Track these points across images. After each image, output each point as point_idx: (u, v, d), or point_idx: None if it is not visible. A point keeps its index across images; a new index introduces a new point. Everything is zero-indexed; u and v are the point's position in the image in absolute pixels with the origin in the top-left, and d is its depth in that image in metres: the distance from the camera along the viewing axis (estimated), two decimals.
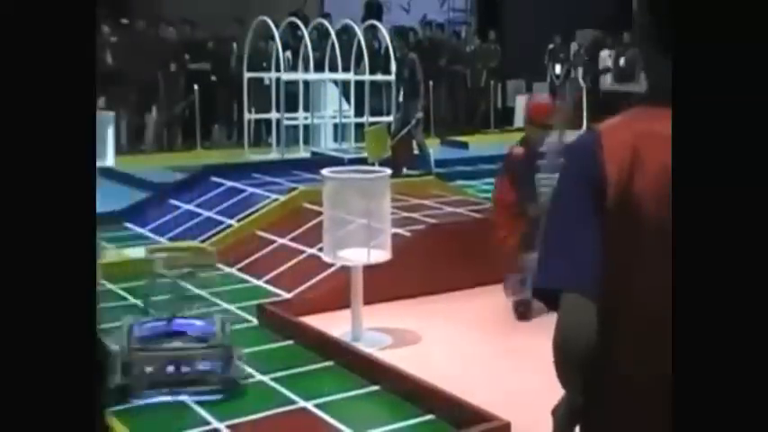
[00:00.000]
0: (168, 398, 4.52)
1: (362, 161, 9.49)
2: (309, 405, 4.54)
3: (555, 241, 1.80)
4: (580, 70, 16.51)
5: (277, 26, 12.06)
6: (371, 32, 13.52)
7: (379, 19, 14.68)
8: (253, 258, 7.50)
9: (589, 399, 1.81)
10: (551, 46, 17.00)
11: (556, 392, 1.94)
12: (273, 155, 11.79)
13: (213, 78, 13.39)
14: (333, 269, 6.35)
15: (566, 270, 1.75)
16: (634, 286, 1.73)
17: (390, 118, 12.09)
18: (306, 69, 12.46)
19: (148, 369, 4.55)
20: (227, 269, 7.29)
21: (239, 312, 6.12)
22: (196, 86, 12.66)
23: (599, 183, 1.73)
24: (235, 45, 13.53)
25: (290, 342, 5.48)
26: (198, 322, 4.95)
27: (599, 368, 1.75)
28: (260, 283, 6.94)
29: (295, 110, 12.35)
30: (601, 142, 1.77)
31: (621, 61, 15.67)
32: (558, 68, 16.68)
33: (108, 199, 8.33)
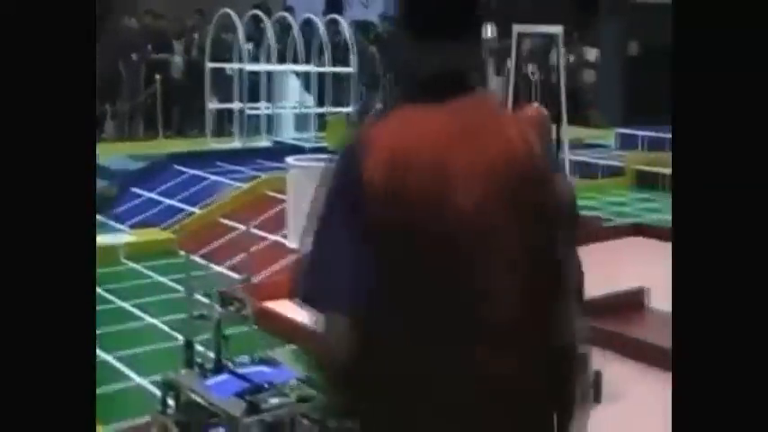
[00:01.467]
0: None
1: (323, 150, 9.39)
2: None
3: (316, 256, 1.70)
4: (530, 66, 16.51)
5: (240, 18, 11.88)
6: (333, 26, 13.38)
7: (340, 13, 14.53)
8: (215, 245, 7.38)
9: (372, 406, 1.73)
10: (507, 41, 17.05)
11: None
12: (236, 143, 11.64)
13: (176, 68, 13.16)
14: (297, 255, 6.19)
15: (323, 289, 1.68)
16: (407, 288, 1.64)
17: (350, 109, 12.06)
18: (268, 61, 12.31)
19: None
20: (190, 256, 7.14)
21: (201, 299, 5.91)
22: (158, 76, 12.41)
23: (362, 191, 1.62)
24: (197, 36, 13.33)
25: (254, 327, 5.27)
26: (265, 368, 3.90)
27: (376, 369, 1.68)
28: (222, 269, 6.78)
29: (257, 100, 12.19)
30: (362, 149, 1.66)
31: (571, 58, 15.71)
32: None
33: None
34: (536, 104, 4.47)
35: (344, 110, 12.06)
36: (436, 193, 1.60)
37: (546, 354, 1.70)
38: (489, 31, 16.07)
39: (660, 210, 9.85)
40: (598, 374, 4.35)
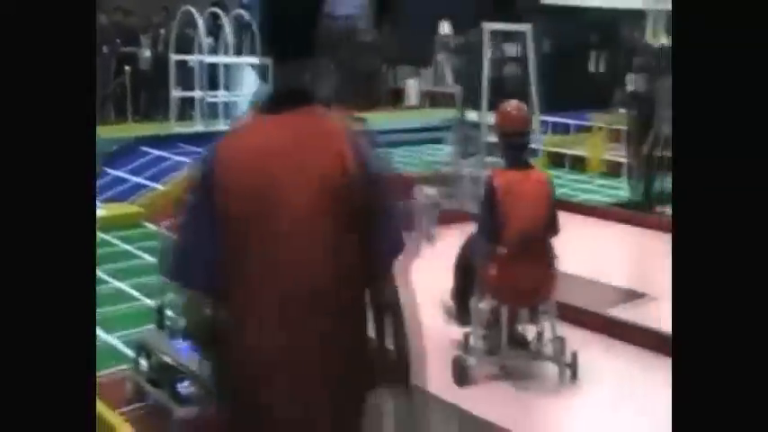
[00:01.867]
0: None
1: None
2: None
3: (179, 241, 1.84)
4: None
5: (201, 15, 12.40)
6: None
7: None
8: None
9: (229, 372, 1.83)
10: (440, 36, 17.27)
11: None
12: (197, 127, 12.08)
13: (143, 60, 13.60)
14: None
15: (183, 269, 1.79)
16: (249, 271, 1.76)
17: None
18: (226, 54, 12.83)
19: None
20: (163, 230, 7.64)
21: None
22: (127, 68, 12.88)
23: (214, 190, 1.74)
24: (163, 31, 13.79)
25: None
26: None
27: (232, 342, 1.78)
28: None
29: (216, 89, 12.68)
30: (217, 153, 1.78)
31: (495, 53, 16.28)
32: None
33: None
34: (515, 101, 4.47)
35: None
36: (265, 190, 1.71)
37: (364, 317, 1.81)
38: (445, 28, 16.50)
39: (565, 186, 10.75)
40: (574, 355, 4.33)
